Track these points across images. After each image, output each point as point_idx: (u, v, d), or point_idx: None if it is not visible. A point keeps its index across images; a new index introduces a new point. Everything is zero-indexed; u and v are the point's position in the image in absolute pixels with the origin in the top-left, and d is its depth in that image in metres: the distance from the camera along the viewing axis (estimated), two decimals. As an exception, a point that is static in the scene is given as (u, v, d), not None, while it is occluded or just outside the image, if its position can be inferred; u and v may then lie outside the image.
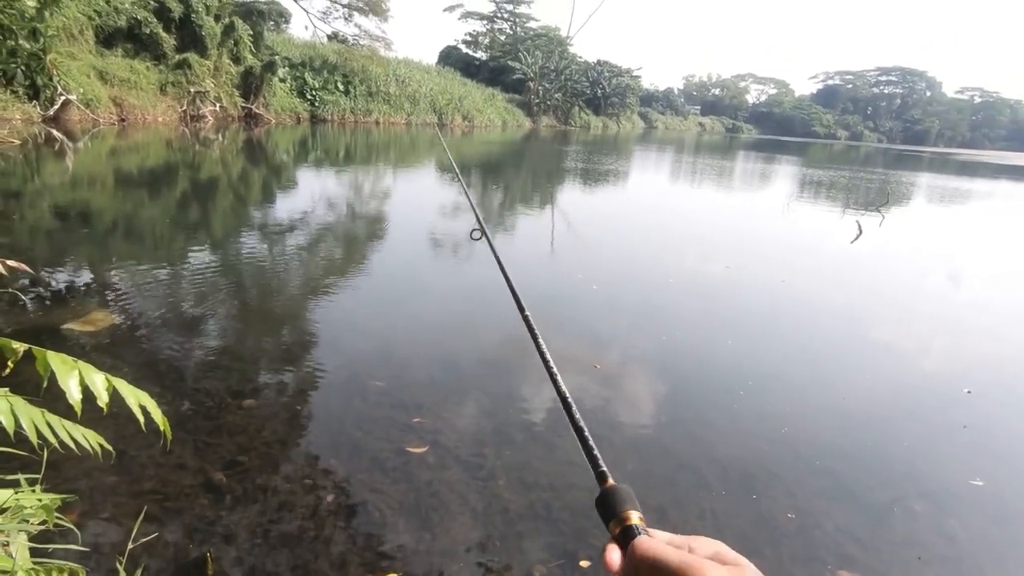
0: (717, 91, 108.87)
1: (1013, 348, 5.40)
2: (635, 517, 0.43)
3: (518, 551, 2.25)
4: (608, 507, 0.44)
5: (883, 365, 4.68)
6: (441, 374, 3.64)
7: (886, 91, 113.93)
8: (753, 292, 6.36)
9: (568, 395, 0.59)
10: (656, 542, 0.41)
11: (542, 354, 0.68)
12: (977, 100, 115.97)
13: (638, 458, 2.97)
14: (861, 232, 10.23)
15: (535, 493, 2.57)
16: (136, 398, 1.08)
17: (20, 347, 1.02)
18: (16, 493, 0.94)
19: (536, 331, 0.72)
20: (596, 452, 0.49)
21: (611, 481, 0.46)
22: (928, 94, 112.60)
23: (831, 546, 2.46)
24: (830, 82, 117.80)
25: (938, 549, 2.55)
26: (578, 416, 0.54)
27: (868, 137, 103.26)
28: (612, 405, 3.51)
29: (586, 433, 0.52)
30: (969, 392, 4.21)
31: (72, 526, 1.41)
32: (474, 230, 1.35)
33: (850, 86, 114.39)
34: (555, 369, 0.65)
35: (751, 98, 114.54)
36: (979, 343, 5.46)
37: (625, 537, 0.41)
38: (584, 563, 2.21)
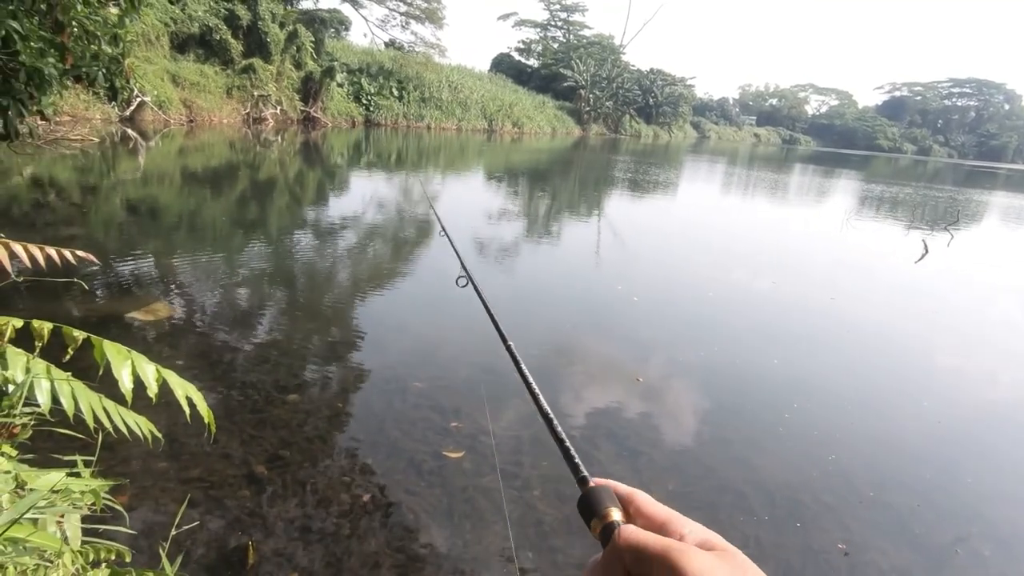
0: (774, 101, 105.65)
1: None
2: (615, 514, 0.42)
3: (551, 564, 2.21)
4: (590, 507, 0.44)
5: (944, 394, 4.39)
6: (481, 379, 3.63)
7: (959, 104, 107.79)
8: (800, 310, 6.10)
9: (545, 403, 0.58)
10: (639, 530, 0.39)
11: (523, 375, 0.66)
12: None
13: (679, 478, 2.88)
14: (927, 251, 9.68)
15: (570, 506, 2.52)
16: (184, 390, 1.10)
17: (79, 335, 1.06)
18: (66, 476, 0.98)
19: (520, 360, 0.69)
20: (577, 459, 0.49)
21: (592, 483, 0.46)
22: (1006, 107, 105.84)
23: (886, 585, 2.31)
24: (897, 93, 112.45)
25: (1007, 598, 2.35)
26: (556, 423, 0.54)
27: (937, 152, 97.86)
28: (652, 421, 3.42)
29: (567, 443, 0.52)
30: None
31: (122, 508, 1.46)
32: (460, 277, 1.27)
33: (919, 98, 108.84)
34: (532, 380, 0.63)
35: (811, 109, 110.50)
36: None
37: (606, 533, 0.41)
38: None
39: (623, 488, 0.45)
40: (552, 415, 0.57)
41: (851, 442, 3.43)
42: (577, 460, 0.49)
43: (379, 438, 2.88)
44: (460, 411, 3.19)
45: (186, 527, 2.02)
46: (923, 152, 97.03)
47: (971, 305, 7.23)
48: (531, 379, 0.65)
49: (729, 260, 8.10)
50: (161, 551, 1.28)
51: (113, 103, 16.26)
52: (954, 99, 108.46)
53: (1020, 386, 4.74)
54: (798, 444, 3.32)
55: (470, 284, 1.17)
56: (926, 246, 10.02)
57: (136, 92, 16.48)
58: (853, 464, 3.18)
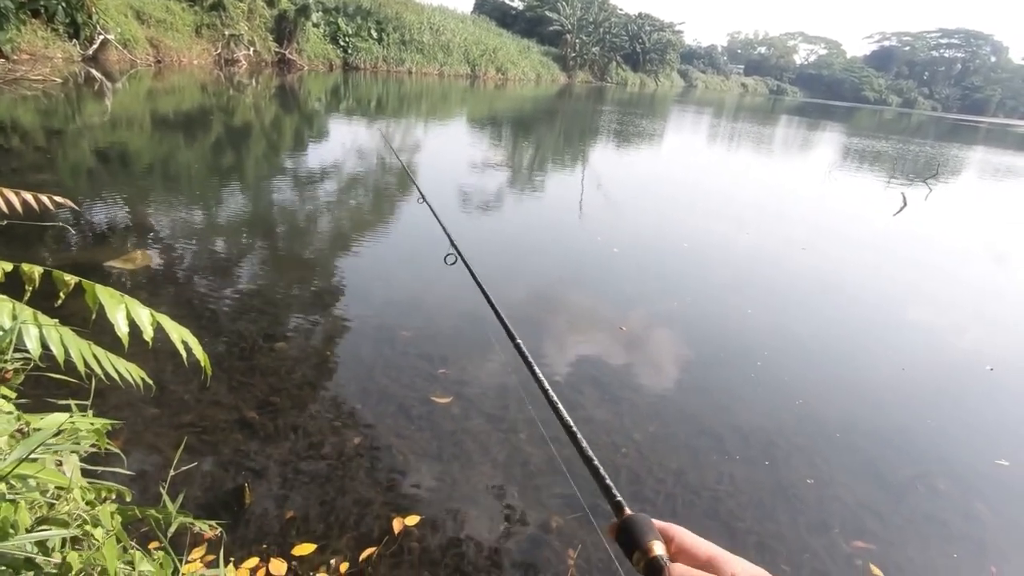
0: (763, 50, 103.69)
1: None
2: (659, 547, 0.42)
3: (536, 502, 2.32)
4: (630, 538, 0.43)
5: (910, 343, 4.58)
6: (467, 327, 3.68)
7: (946, 55, 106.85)
8: (774, 262, 6.22)
9: (574, 427, 0.57)
10: (692, 571, 0.39)
11: (541, 385, 0.65)
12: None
13: (660, 421, 3.00)
14: (905, 204, 9.83)
15: (555, 448, 2.62)
16: (179, 334, 1.11)
17: (71, 280, 1.06)
18: (71, 416, 0.99)
19: (532, 361, 0.69)
20: (609, 482, 0.49)
21: (628, 511, 0.46)
22: (992, 59, 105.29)
23: (849, 518, 2.47)
24: (886, 43, 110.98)
25: (960, 527, 2.54)
26: (586, 446, 0.54)
27: (922, 104, 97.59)
28: (633, 368, 3.52)
29: (596, 463, 0.51)
30: (991, 369, 4.14)
31: (119, 451, 1.49)
32: (448, 254, 1.20)
33: (907, 48, 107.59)
34: (557, 401, 0.61)
35: (799, 58, 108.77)
36: (1006, 322, 5.29)
37: (652, 569, 0.41)
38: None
39: (657, 522, 0.44)
40: (580, 434, 0.56)
41: (819, 388, 3.59)
42: (609, 482, 0.49)
43: (368, 384, 2.93)
44: (447, 359, 3.25)
45: (183, 468, 2.07)
46: (908, 104, 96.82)
47: (943, 258, 7.43)
48: (547, 383, 0.64)
49: (708, 213, 8.15)
50: (162, 489, 1.32)
51: (75, 41, 15.39)
52: (942, 50, 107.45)
53: (983, 336, 4.95)
54: (770, 390, 3.46)
55: (460, 261, 1.10)
56: (905, 199, 10.16)
57: (99, 29, 15.57)
58: (821, 408, 3.33)
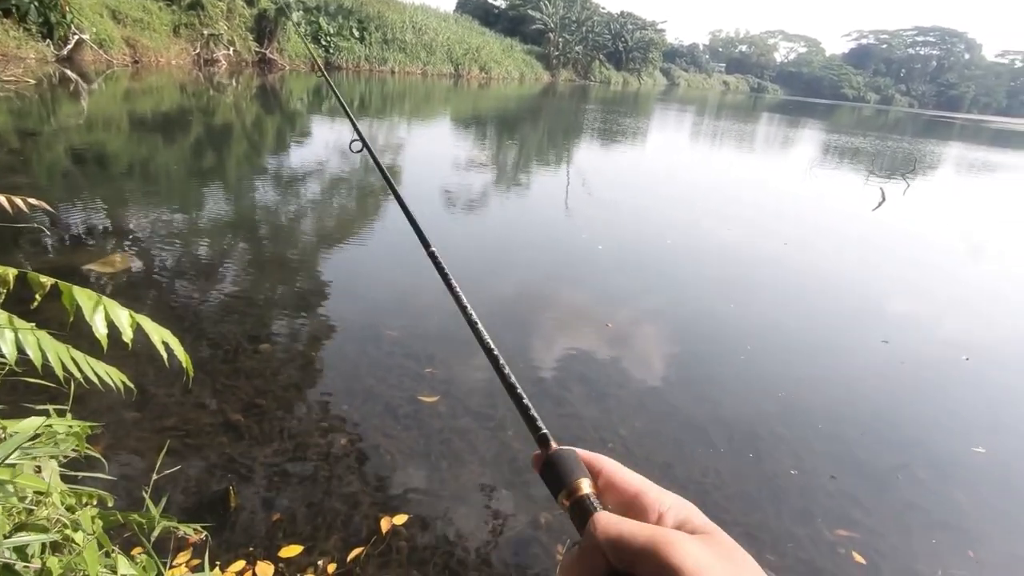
0: (744, 48, 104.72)
1: (1011, 318, 5.36)
2: (586, 485, 0.38)
3: (525, 498, 2.32)
4: (557, 476, 0.39)
5: (887, 333, 4.66)
6: (453, 326, 3.67)
7: (922, 52, 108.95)
8: (756, 257, 6.29)
9: (495, 348, 0.51)
10: (618, 520, 0.35)
11: (456, 296, 0.58)
12: (1018, 65, 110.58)
13: (646, 416, 3.02)
14: (884, 199, 9.99)
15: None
16: (160, 335, 1.10)
17: (47, 281, 1.04)
18: (49, 420, 0.98)
19: (446, 269, 0.61)
20: (533, 412, 0.43)
21: (555, 445, 0.41)
22: (966, 57, 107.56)
23: (833, 507, 2.51)
24: (864, 41, 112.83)
25: (940, 515, 2.59)
26: (508, 372, 0.47)
27: (899, 101, 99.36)
28: (620, 364, 3.54)
29: (519, 390, 0.45)
30: (967, 359, 4.24)
31: (99, 455, 1.47)
32: (353, 141, 1.15)
33: (884, 46, 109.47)
34: (475, 316, 0.54)
35: (779, 56, 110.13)
36: (981, 313, 5.42)
37: (578, 510, 0.37)
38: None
39: (585, 453, 0.41)
40: (499, 354, 0.49)
41: (801, 380, 3.64)
42: (534, 413, 0.43)
43: (355, 385, 2.92)
44: (434, 357, 3.24)
45: (166, 472, 2.04)
46: (885, 101, 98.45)
47: (922, 252, 7.57)
48: (467, 303, 0.57)
49: (691, 209, 8.22)
50: (145, 493, 1.30)
51: (48, 41, 15.06)
52: (918, 48, 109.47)
53: (959, 327, 5.05)
54: (754, 382, 3.51)
55: (365, 150, 1.05)
56: (883, 194, 10.33)
57: (73, 29, 15.25)
58: (804, 399, 3.38)
